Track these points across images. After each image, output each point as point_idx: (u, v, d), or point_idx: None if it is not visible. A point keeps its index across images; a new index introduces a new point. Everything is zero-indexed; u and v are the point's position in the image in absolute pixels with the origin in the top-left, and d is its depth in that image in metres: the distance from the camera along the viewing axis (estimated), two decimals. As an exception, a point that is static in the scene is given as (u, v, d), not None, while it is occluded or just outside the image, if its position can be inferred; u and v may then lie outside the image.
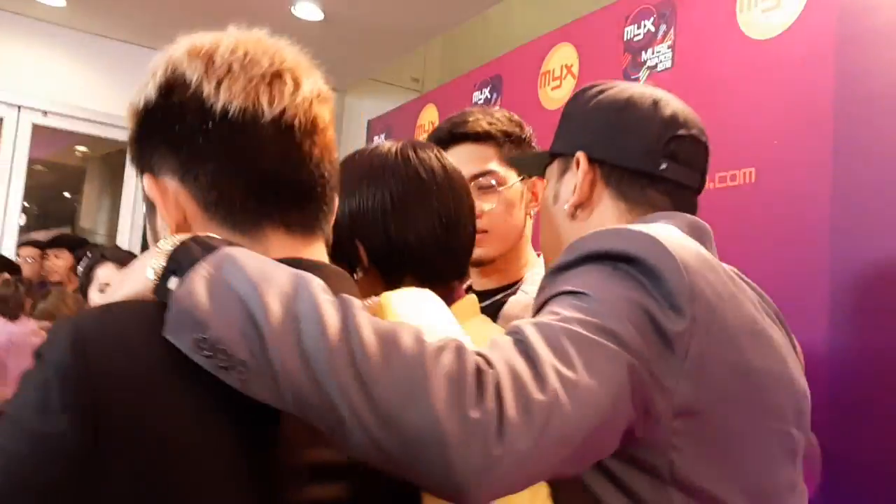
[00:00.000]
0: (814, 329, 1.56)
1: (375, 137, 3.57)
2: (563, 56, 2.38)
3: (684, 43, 1.95)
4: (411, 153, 1.01)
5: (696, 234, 0.93)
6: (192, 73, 0.67)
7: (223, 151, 0.66)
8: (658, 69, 2.01)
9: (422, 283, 0.91)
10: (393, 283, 0.93)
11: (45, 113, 4.50)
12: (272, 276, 0.60)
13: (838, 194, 1.55)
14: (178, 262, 0.60)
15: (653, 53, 2.03)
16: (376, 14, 4.02)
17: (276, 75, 0.68)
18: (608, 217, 1.01)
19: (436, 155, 1.03)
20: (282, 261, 0.63)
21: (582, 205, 1.03)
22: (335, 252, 0.80)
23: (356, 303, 0.61)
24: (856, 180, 1.53)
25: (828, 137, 1.57)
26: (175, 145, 0.67)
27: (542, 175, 1.17)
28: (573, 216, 1.04)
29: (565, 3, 3.45)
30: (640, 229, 0.83)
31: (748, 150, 1.74)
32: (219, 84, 0.66)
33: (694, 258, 0.81)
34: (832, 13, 1.59)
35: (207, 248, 0.61)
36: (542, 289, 0.86)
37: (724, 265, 0.90)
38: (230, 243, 0.64)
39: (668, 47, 1.98)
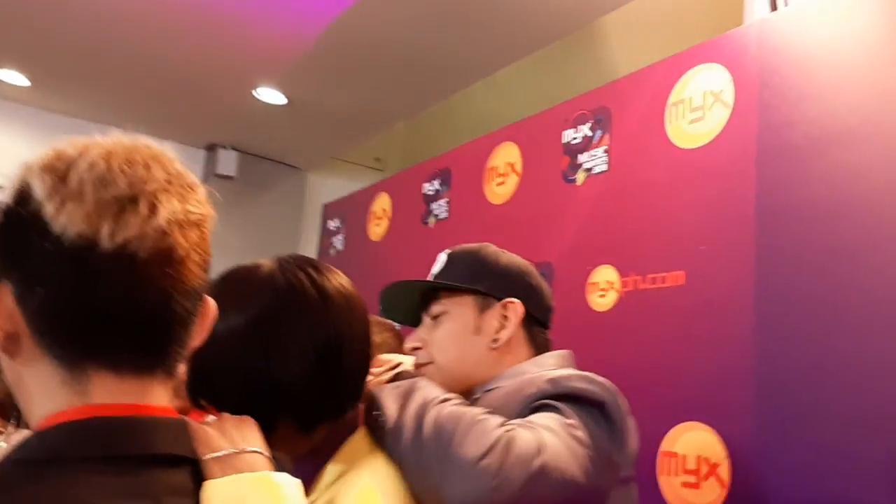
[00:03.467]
0: (739, 426, 1.60)
1: (330, 221, 3.62)
2: (508, 154, 2.47)
3: (619, 148, 2.03)
4: (284, 273, 0.90)
5: (574, 361, 1.27)
6: (40, 189, 0.62)
7: (55, 279, 0.61)
8: (594, 172, 2.09)
9: (300, 422, 0.86)
10: (264, 424, 0.81)
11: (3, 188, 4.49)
12: None
13: (761, 299, 1.61)
14: None
15: (590, 157, 2.11)
16: (338, 98, 4.12)
17: (131, 200, 0.62)
18: (518, 353, 1.27)
19: (317, 274, 0.91)
20: (89, 421, 0.61)
21: (506, 341, 1.26)
22: (195, 389, 0.77)
23: None
24: (777, 285, 1.59)
25: (750, 243, 1.64)
26: (15, 259, 0.62)
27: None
28: (494, 349, 1.25)
29: (525, 94, 3.59)
30: (602, 380, 1.11)
31: (678, 254, 1.81)
32: (62, 205, 0.61)
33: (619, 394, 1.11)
34: (752, 127, 1.68)
35: None
36: (533, 404, 1.09)
37: None
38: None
39: (604, 151, 2.07)
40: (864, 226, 1.47)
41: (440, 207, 2.79)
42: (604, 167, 2.07)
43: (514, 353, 1.26)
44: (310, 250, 4.21)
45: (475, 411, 0.98)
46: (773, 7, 1.85)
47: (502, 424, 0.96)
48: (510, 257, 1.33)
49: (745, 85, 1.72)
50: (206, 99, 4.31)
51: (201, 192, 0.68)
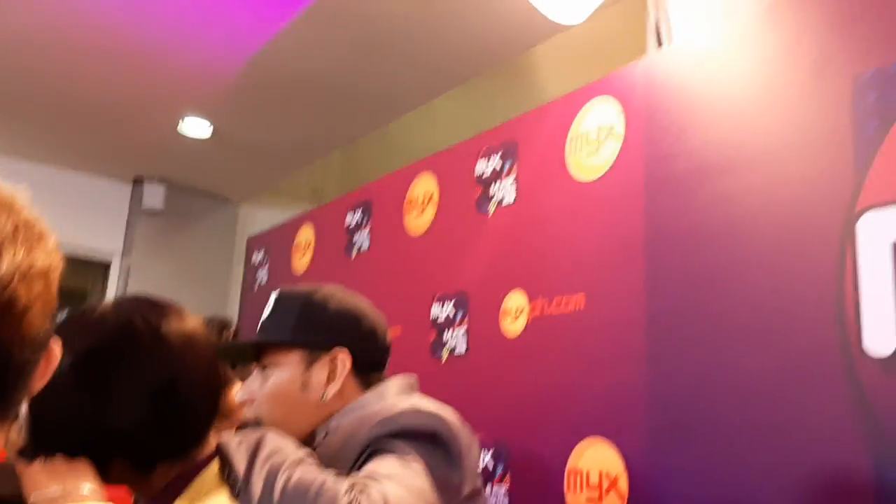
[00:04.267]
0: (636, 439, 1.69)
1: (255, 254, 3.64)
2: (426, 185, 2.55)
3: (526, 179, 2.14)
4: (117, 314, 0.89)
5: (415, 386, 1.32)
6: None
7: None
8: (504, 203, 2.19)
9: (134, 463, 0.87)
10: (98, 464, 0.82)
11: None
12: None
13: (652, 317, 1.71)
14: None
15: (500, 188, 2.21)
16: (268, 128, 4.14)
17: None
18: (349, 396, 1.28)
19: (156, 315, 0.90)
20: None
21: (337, 392, 1.26)
22: (31, 432, 0.78)
23: None
24: (667, 304, 1.70)
25: (641, 267, 1.75)
26: None
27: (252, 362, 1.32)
28: (323, 404, 1.26)
29: (459, 123, 3.69)
30: (430, 408, 1.19)
31: (579, 278, 1.91)
32: None
33: (457, 420, 1.21)
34: (640, 159, 1.80)
35: None
36: (369, 450, 1.14)
37: None
38: None
39: (513, 183, 2.17)
40: (742, 246, 1.59)
41: (362, 239, 2.85)
42: (512, 199, 2.16)
43: (346, 400, 1.27)
44: (238, 285, 4.21)
45: (320, 479, 1.01)
46: (659, 44, 1.98)
47: (349, 489, 1.00)
48: (341, 302, 1.30)
49: (634, 119, 1.84)
50: (131, 132, 4.30)
51: (52, 241, 0.68)
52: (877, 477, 1.31)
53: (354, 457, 1.14)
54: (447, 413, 1.21)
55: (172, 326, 0.89)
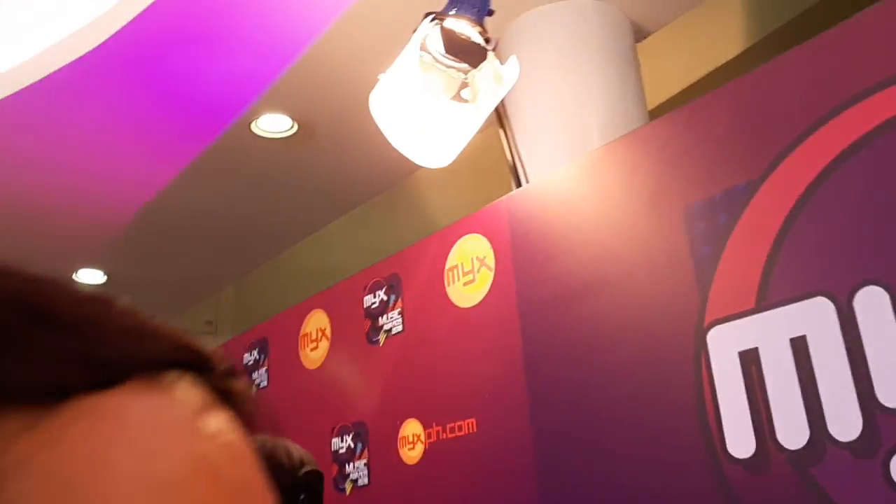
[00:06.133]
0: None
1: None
2: (318, 321, 2.61)
3: (410, 310, 2.24)
4: None
5: None
6: None
7: None
8: (393, 332, 2.27)
9: None
10: None
11: None
12: None
13: (538, 435, 1.80)
14: None
15: (388, 319, 2.30)
16: (160, 269, 4.15)
17: None
18: None
19: None
20: None
21: None
22: None
23: None
24: (551, 421, 1.79)
25: (523, 387, 1.85)
26: None
27: None
28: None
29: (351, 247, 3.79)
30: None
31: (468, 403, 1.99)
32: None
33: None
34: (512, 286, 1.94)
35: None
36: None
37: None
38: None
39: (399, 314, 2.26)
40: (610, 361, 1.72)
41: (260, 376, 2.86)
42: (400, 328, 2.25)
43: None
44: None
45: None
46: (518, 184, 2.17)
47: None
48: None
49: (501, 251, 1.99)
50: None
51: None
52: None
53: None
54: None
55: None
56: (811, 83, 1.51)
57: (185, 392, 0.30)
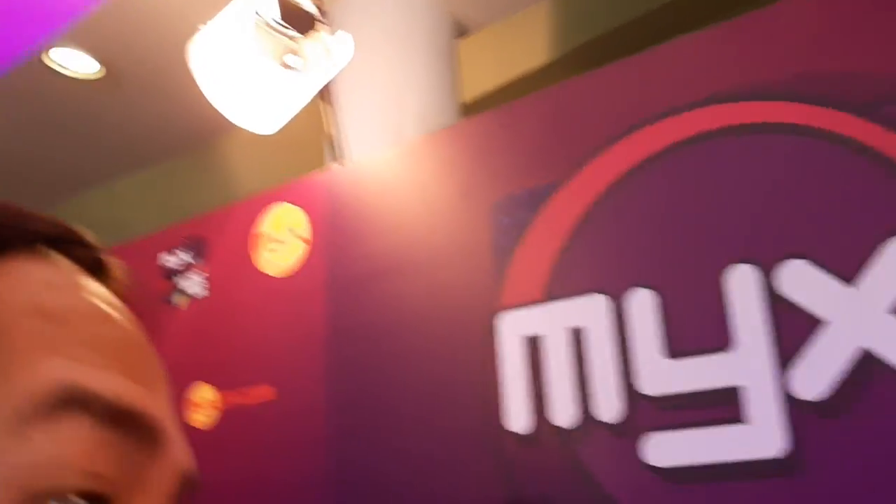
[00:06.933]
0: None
1: None
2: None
3: (216, 274, 2.21)
4: None
5: None
6: None
7: None
8: (194, 295, 2.23)
9: None
10: None
11: None
12: None
13: (331, 405, 1.87)
14: None
15: (189, 281, 2.25)
16: None
17: None
18: None
19: None
20: None
21: None
22: None
23: None
24: (345, 393, 1.87)
25: (321, 359, 1.91)
26: None
27: None
28: None
29: (146, 205, 3.59)
30: None
31: (267, 370, 2.01)
32: None
33: None
34: (323, 263, 1.98)
35: None
36: None
37: None
38: None
39: (203, 277, 2.23)
40: (409, 340, 1.82)
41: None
42: (203, 291, 2.22)
43: None
44: None
45: None
46: (335, 160, 2.21)
47: None
48: None
49: (318, 224, 2.02)
50: None
51: None
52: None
53: None
54: None
55: None
56: (616, 100, 1.69)
57: (66, 259, 0.36)
